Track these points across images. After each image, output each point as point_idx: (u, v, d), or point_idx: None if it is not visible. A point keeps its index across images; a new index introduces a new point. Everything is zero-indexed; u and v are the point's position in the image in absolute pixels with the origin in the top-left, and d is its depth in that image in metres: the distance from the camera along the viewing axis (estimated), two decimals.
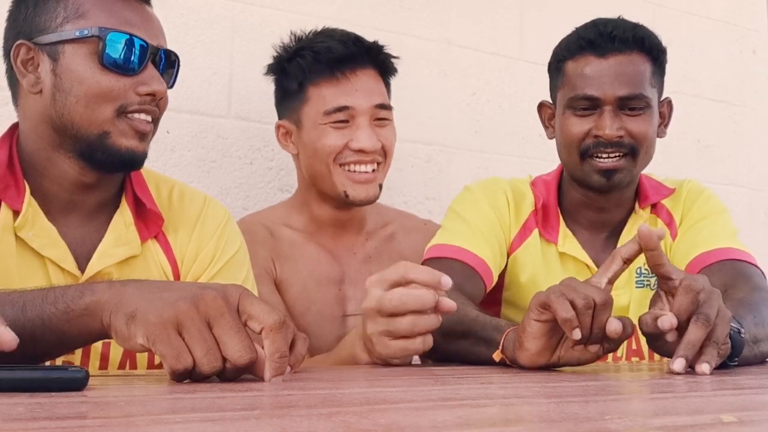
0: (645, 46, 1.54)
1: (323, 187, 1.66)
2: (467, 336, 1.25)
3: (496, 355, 1.16)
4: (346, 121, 1.62)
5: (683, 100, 2.53)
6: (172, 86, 1.30)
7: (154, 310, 0.84)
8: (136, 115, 1.21)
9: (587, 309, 1.03)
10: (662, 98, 1.61)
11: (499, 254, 1.59)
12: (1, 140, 1.27)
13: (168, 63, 1.27)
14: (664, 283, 1.11)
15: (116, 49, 1.18)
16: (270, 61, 1.73)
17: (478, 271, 1.52)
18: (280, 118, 1.71)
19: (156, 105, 1.24)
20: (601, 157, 1.53)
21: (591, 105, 1.53)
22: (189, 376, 0.84)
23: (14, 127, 1.28)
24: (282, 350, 0.86)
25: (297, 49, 1.66)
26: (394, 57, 1.71)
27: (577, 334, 1.02)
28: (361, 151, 1.61)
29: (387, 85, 1.71)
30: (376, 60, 1.68)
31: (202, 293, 0.85)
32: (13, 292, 0.94)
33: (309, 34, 1.69)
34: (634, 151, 1.53)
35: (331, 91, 1.62)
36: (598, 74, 1.52)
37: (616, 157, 1.53)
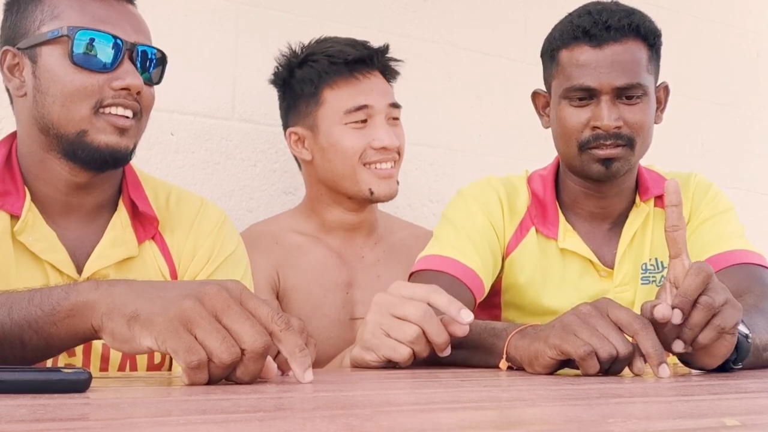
0: (641, 32, 1.51)
1: (345, 187, 1.68)
2: (463, 346, 1.24)
3: (503, 365, 1.16)
4: (365, 121, 1.66)
5: (687, 103, 2.53)
6: (158, 82, 1.30)
7: (158, 310, 0.81)
8: (113, 110, 1.21)
9: (608, 363, 1.04)
10: (658, 83, 1.58)
11: (492, 261, 1.57)
12: (0, 144, 1.27)
13: (154, 60, 1.27)
14: (673, 264, 1.12)
15: (86, 47, 1.19)
16: (273, 62, 1.74)
17: (465, 283, 1.50)
18: (290, 126, 1.72)
19: (135, 100, 1.23)
20: (600, 148, 1.51)
21: (587, 95, 1.51)
22: (207, 375, 0.81)
23: (15, 133, 1.29)
24: (299, 344, 0.85)
25: (307, 54, 1.69)
26: (398, 60, 1.74)
27: (594, 370, 1.03)
28: (383, 149, 1.65)
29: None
30: (383, 63, 1.72)
31: (204, 289, 0.83)
32: (1, 294, 0.92)
33: (312, 42, 1.71)
34: (632, 141, 1.51)
35: (349, 92, 1.66)
36: (594, 64, 1.49)
37: (614, 147, 1.51)
